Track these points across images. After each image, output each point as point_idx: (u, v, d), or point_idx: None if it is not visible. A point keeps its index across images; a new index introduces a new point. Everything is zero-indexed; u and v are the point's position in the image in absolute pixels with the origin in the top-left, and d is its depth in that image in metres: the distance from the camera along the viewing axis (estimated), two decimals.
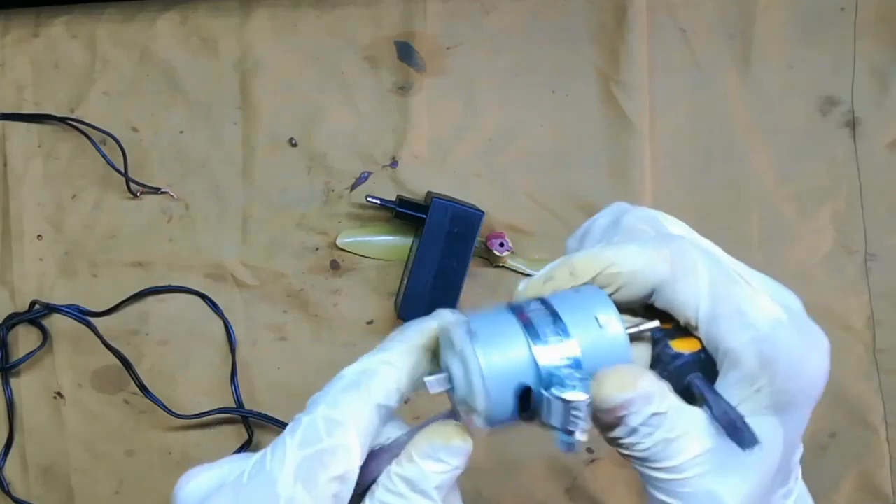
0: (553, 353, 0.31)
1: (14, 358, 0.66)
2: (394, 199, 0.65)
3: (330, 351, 0.66)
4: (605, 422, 0.32)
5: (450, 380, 0.32)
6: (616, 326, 0.32)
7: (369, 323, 0.67)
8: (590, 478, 0.64)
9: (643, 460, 0.32)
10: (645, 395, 0.31)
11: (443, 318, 0.33)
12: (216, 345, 0.67)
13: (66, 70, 0.68)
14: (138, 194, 0.67)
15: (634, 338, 0.33)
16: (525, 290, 0.34)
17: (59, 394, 0.66)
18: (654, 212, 0.36)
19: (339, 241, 0.66)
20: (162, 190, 0.67)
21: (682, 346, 0.33)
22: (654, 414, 0.31)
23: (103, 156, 0.67)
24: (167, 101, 0.68)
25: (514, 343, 0.31)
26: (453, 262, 0.63)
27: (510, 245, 0.65)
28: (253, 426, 0.66)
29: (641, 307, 0.35)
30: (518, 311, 0.32)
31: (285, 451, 0.30)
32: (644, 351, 0.34)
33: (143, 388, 0.65)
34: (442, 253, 0.62)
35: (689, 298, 0.33)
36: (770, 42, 0.67)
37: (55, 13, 0.69)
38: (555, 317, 0.32)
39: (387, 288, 0.67)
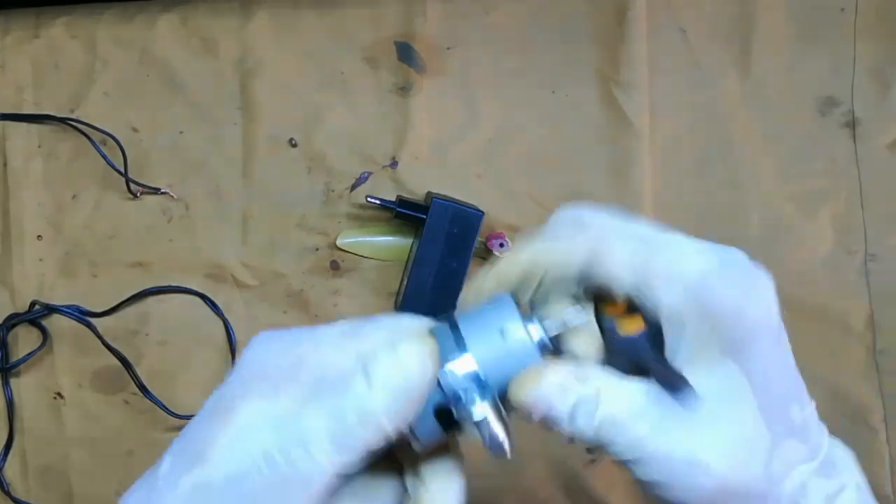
0: (455, 370, 0.32)
1: (14, 358, 0.66)
2: (394, 199, 0.65)
3: None
4: (544, 426, 0.32)
5: None
6: (518, 334, 0.32)
7: None
8: (590, 478, 0.64)
9: (609, 449, 0.32)
10: (558, 388, 0.31)
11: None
12: (216, 345, 0.67)
13: (66, 70, 0.68)
14: (138, 195, 0.67)
15: (578, 333, 0.34)
16: (460, 304, 0.36)
17: (59, 394, 0.66)
18: (580, 210, 0.37)
19: (339, 242, 0.66)
20: (162, 190, 0.67)
21: (629, 328, 0.34)
22: (581, 400, 0.32)
23: (103, 156, 0.67)
24: (167, 101, 0.68)
25: None
26: (453, 263, 0.63)
27: (510, 245, 0.65)
28: None
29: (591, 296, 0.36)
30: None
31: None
32: (591, 342, 0.35)
33: (143, 389, 0.65)
34: (442, 253, 0.62)
35: (614, 272, 0.33)
36: (770, 42, 0.67)
37: (55, 13, 0.69)
38: (456, 335, 0.33)
39: (387, 288, 0.66)
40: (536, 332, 0.33)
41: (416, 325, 0.33)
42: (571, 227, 0.36)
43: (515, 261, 0.35)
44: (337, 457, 0.30)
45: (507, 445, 0.32)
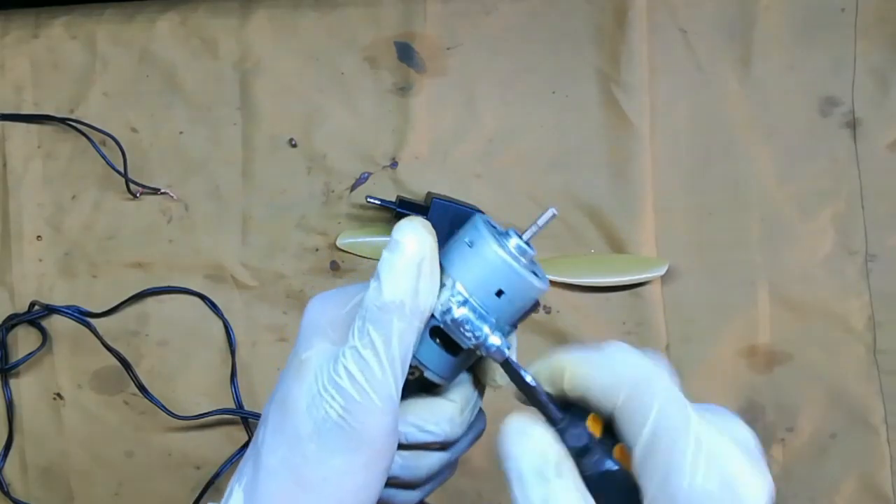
0: (443, 295, 0.35)
1: (14, 359, 0.66)
2: (394, 199, 0.65)
3: None
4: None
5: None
6: (483, 242, 0.35)
7: None
8: None
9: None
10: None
11: None
12: (216, 346, 0.67)
13: (66, 70, 0.68)
14: (138, 195, 0.67)
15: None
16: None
17: (58, 395, 0.66)
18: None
19: (338, 242, 0.66)
20: (161, 191, 0.67)
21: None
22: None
23: (103, 156, 0.66)
24: (167, 101, 0.68)
25: None
26: None
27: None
28: (253, 427, 0.66)
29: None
30: None
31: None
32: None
33: (142, 389, 0.65)
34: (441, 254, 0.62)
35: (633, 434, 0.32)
36: (770, 42, 0.67)
37: (55, 13, 0.69)
38: (444, 271, 0.36)
39: None
40: (512, 242, 0.36)
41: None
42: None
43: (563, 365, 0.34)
44: (386, 352, 0.33)
45: (496, 344, 0.34)
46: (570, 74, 0.67)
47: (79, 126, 0.67)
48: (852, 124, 0.67)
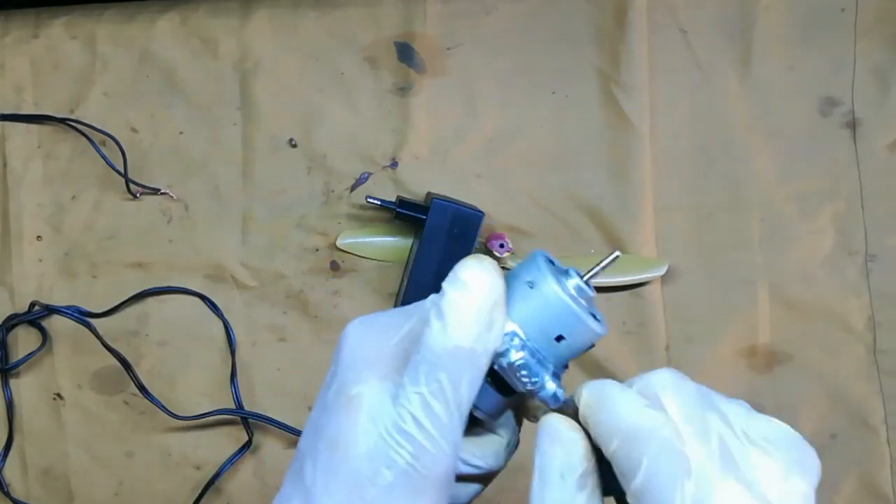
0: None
1: (14, 359, 0.66)
2: (394, 199, 0.65)
3: (330, 352, 0.65)
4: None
5: None
6: (546, 285, 0.33)
7: None
8: None
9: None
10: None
11: None
12: (216, 346, 0.67)
13: (66, 71, 0.68)
14: (138, 195, 0.67)
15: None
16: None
17: (58, 395, 0.66)
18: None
19: (338, 242, 0.66)
20: (162, 191, 0.67)
21: None
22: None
23: (103, 157, 0.66)
24: (167, 101, 0.68)
25: None
26: (453, 264, 0.62)
27: (510, 246, 0.65)
28: (253, 427, 0.66)
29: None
30: None
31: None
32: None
33: (142, 389, 0.65)
34: (442, 254, 0.62)
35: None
36: (770, 42, 0.67)
37: (55, 14, 0.69)
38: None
39: (387, 289, 0.66)
40: (571, 283, 0.34)
41: (471, 257, 0.34)
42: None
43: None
44: (454, 399, 0.32)
45: (552, 391, 0.33)
46: (570, 74, 0.67)
47: (79, 126, 0.67)
48: (852, 124, 0.67)
